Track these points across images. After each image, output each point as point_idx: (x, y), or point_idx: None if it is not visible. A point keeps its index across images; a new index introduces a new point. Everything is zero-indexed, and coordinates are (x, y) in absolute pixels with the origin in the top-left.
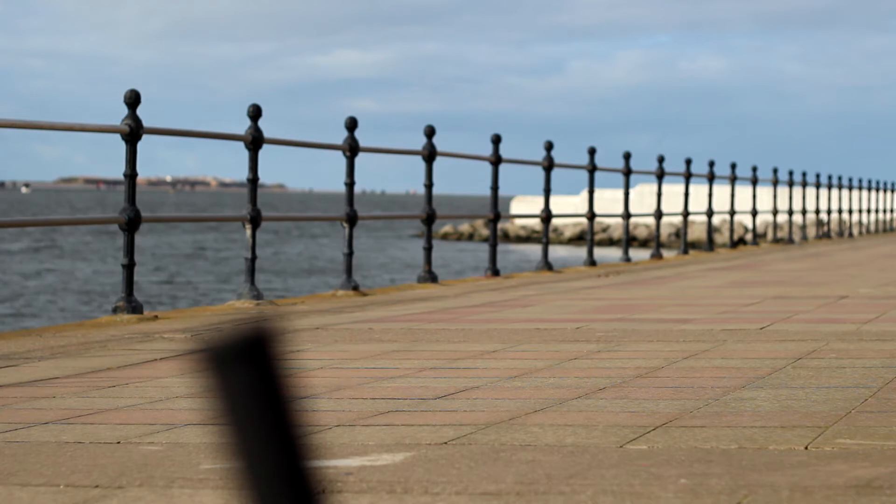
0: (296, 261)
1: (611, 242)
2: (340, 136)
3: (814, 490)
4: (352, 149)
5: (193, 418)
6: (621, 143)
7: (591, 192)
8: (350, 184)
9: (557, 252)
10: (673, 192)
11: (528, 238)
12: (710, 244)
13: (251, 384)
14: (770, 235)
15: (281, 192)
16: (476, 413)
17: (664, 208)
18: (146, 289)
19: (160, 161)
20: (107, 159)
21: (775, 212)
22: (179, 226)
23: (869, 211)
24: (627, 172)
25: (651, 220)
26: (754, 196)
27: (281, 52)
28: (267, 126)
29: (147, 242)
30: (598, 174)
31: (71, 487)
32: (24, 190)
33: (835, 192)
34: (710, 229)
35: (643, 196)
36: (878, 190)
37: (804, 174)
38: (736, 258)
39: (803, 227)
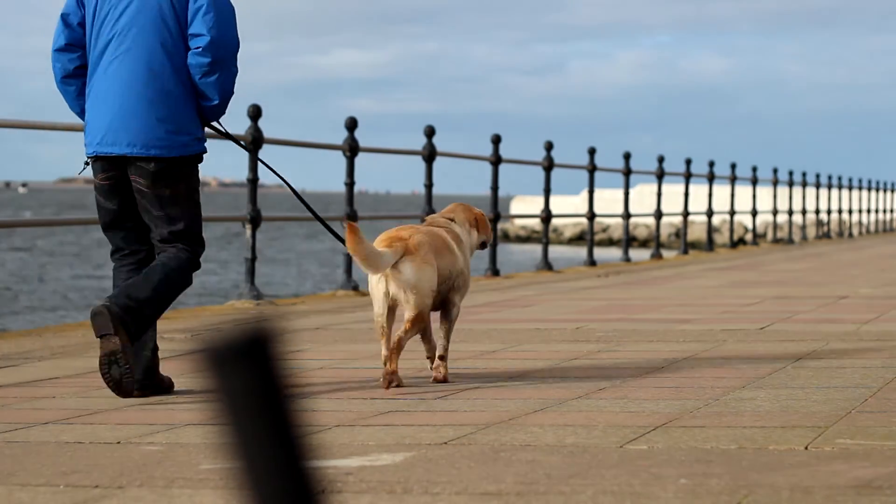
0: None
1: (611, 242)
2: (340, 136)
3: (814, 490)
4: (352, 149)
5: (193, 418)
6: (621, 143)
7: (591, 192)
8: (350, 184)
9: (557, 252)
10: (673, 192)
11: (528, 238)
12: (710, 244)
13: (251, 384)
14: (770, 235)
15: (281, 192)
16: (476, 413)
17: (664, 208)
18: None
19: None
20: None
21: (775, 212)
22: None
23: (869, 211)
24: (627, 172)
25: (651, 220)
26: (754, 196)
27: (280, 52)
28: (267, 126)
29: None
30: (598, 174)
31: (71, 487)
32: (21, 190)
33: (835, 192)
34: (710, 229)
35: (643, 196)
36: (878, 190)
37: (804, 174)
38: (736, 258)
39: (803, 227)
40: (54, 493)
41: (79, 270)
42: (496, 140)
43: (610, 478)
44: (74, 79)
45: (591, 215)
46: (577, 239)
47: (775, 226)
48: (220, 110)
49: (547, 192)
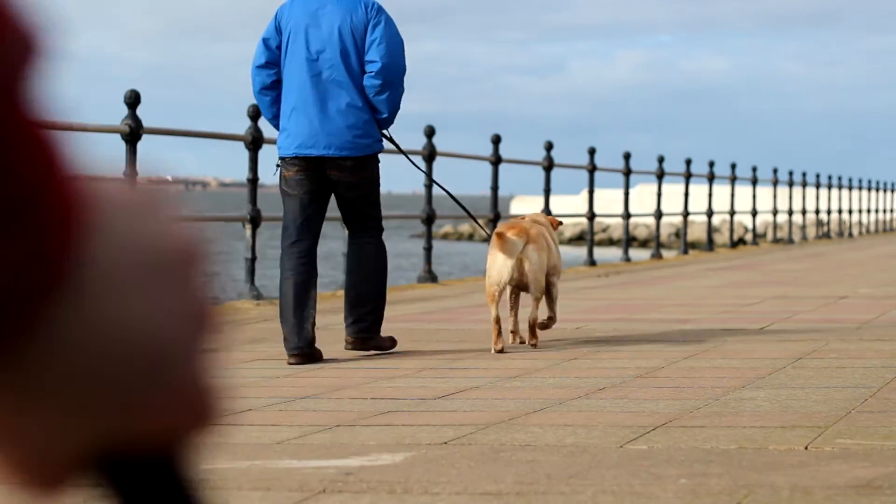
0: None
1: (611, 242)
2: None
3: (814, 490)
4: None
5: None
6: (621, 143)
7: (591, 192)
8: None
9: None
10: (673, 192)
11: None
12: (709, 244)
13: None
14: (770, 235)
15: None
16: (476, 413)
17: (664, 208)
18: None
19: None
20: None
21: (775, 212)
22: None
23: (869, 211)
24: (627, 172)
25: (651, 220)
26: (754, 196)
27: None
28: (267, 126)
29: None
30: (598, 174)
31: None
32: None
33: (835, 192)
34: (710, 229)
35: (643, 196)
36: (878, 190)
37: (804, 174)
38: (736, 258)
39: (803, 227)
40: None
41: None
42: (496, 140)
43: (610, 478)
44: (271, 90)
45: (591, 215)
46: (577, 239)
47: (775, 226)
48: (389, 122)
49: (547, 192)
